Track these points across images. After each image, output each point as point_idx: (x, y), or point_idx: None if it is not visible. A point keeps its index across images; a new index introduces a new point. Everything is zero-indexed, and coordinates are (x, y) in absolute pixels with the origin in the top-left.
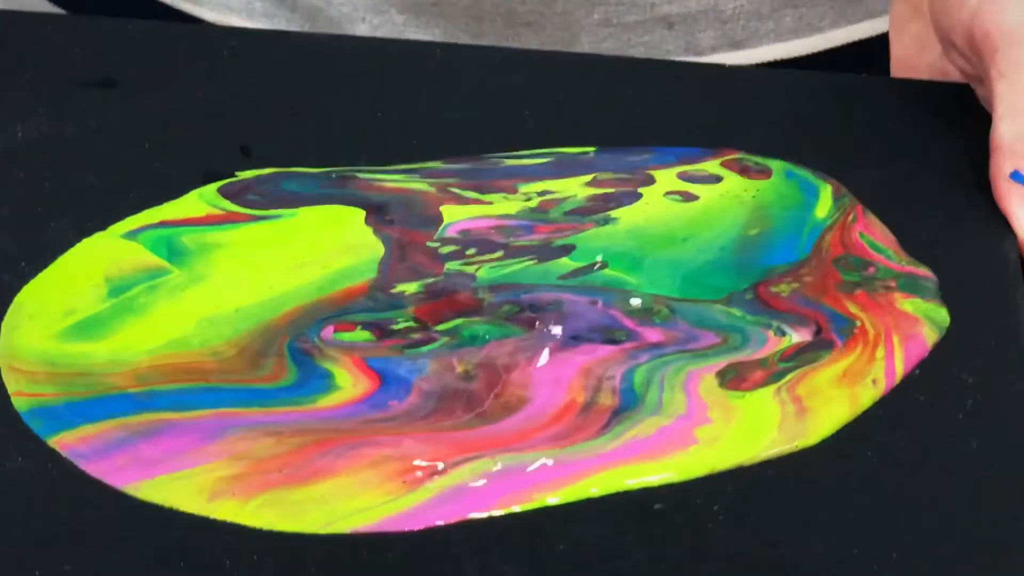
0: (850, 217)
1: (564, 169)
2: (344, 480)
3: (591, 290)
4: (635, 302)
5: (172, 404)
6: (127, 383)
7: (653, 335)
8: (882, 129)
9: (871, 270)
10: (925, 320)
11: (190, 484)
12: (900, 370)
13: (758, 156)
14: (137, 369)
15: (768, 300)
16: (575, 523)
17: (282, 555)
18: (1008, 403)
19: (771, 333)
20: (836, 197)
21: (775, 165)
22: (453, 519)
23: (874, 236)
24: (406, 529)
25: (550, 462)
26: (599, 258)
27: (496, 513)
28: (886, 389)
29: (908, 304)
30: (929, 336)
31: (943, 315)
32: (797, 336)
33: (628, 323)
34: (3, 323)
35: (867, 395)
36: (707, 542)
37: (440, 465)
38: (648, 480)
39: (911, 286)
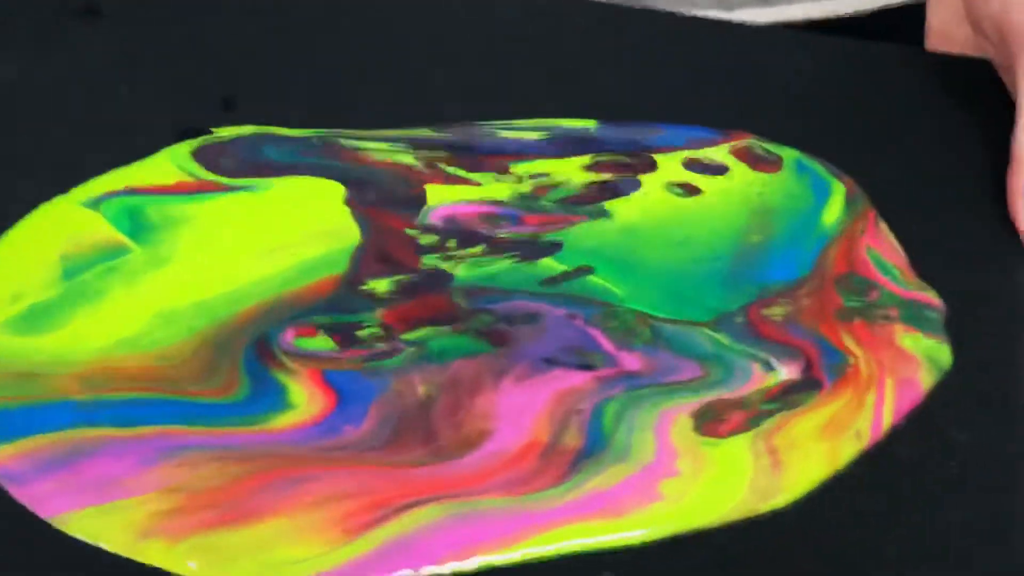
0: (859, 228)
1: (562, 147)
2: (282, 523)
3: (573, 301)
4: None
5: (115, 418)
6: (71, 388)
7: (631, 362)
8: (908, 107)
9: (874, 295)
10: (924, 360)
11: (120, 519)
12: (888, 421)
13: (771, 143)
14: (83, 372)
15: (759, 326)
16: None
17: None
18: (998, 469)
19: (757, 367)
20: (849, 199)
21: (787, 155)
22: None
23: (882, 252)
24: None
25: (503, 514)
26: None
27: (438, 571)
28: (870, 442)
29: (908, 340)
30: (926, 380)
31: (945, 355)
32: (785, 372)
33: (606, 345)
34: None
35: (848, 450)
36: None
37: (385, 512)
38: (603, 542)
39: (915, 317)
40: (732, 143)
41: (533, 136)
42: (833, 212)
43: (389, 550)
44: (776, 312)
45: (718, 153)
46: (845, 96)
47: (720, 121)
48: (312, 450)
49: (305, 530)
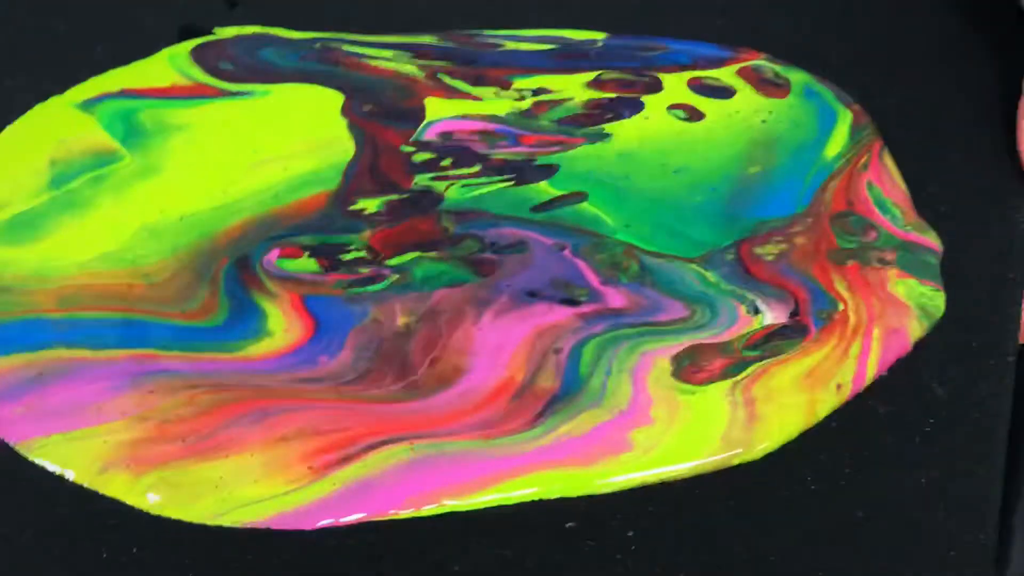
0: (862, 160)
1: (567, 62)
2: (247, 460)
3: (563, 230)
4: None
5: (89, 339)
6: (48, 304)
7: (616, 299)
8: (926, 33)
9: (871, 235)
10: (916, 309)
11: (86, 447)
12: (871, 373)
13: (781, 64)
14: (62, 288)
15: (749, 265)
16: (477, 538)
17: (162, 553)
18: (972, 429)
19: (743, 310)
20: (855, 128)
21: (796, 78)
22: (351, 518)
23: (884, 189)
24: (299, 528)
25: (470, 458)
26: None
27: (398, 516)
28: (850, 394)
29: (902, 287)
30: (915, 331)
31: (938, 303)
32: (771, 316)
33: (592, 279)
34: None
35: (827, 403)
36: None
37: (352, 450)
38: (570, 491)
39: (911, 262)
40: (740, 64)
41: (539, 47)
42: (837, 144)
43: (352, 492)
44: (768, 251)
45: (724, 74)
46: (862, 17)
47: (731, 38)
48: (286, 381)
49: (270, 466)
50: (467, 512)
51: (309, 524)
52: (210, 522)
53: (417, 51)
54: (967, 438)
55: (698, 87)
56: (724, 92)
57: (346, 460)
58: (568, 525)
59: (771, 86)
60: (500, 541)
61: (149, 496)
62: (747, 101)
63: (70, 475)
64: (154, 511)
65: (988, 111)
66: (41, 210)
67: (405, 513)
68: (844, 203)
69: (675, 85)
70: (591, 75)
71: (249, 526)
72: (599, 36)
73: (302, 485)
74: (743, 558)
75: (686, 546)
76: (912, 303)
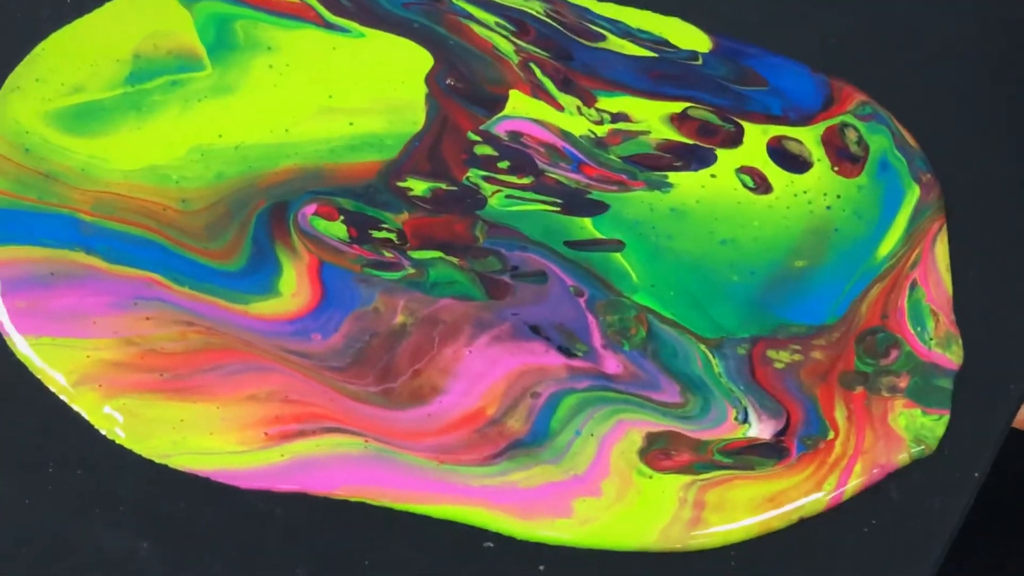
0: (912, 257)
1: (658, 82)
2: (210, 410)
3: (586, 274)
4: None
5: (108, 250)
6: (83, 204)
7: (612, 364)
8: None
9: (893, 356)
10: (911, 442)
11: (68, 357)
12: (835, 500)
13: (869, 119)
14: (102, 192)
15: (757, 365)
16: (397, 538)
17: (104, 480)
18: (913, 536)
19: (733, 415)
20: (918, 210)
21: (876, 144)
22: (287, 489)
23: (927, 291)
24: (235, 484)
25: (418, 473)
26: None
27: (332, 496)
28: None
29: (904, 418)
30: (901, 463)
31: (938, 432)
32: (756, 428)
33: (596, 339)
34: (9, 77)
35: (776, 526)
36: None
37: (312, 426)
38: (498, 530)
39: (921, 390)
40: (829, 119)
41: (637, 53)
42: (892, 238)
43: (295, 467)
44: (782, 357)
45: (808, 136)
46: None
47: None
48: (276, 347)
49: (229, 422)
50: (389, 510)
51: (246, 485)
52: (157, 460)
53: (521, 26)
54: (902, 547)
55: (776, 151)
56: (799, 164)
57: (301, 435)
58: (486, 545)
59: (847, 161)
60: (416, 545)
61: (115, 416)
62: (818, 180)
63: (45, 380)
64: (111, 436)
65: None
66: (109, 104)
67: (336, 495)
68: (879, 315)
69: (755, 141)
70: (677, 106)
71: (191, 472)
72: (703, 46)
73: (252, 449)
74: None
75: None
76: (909, 436)
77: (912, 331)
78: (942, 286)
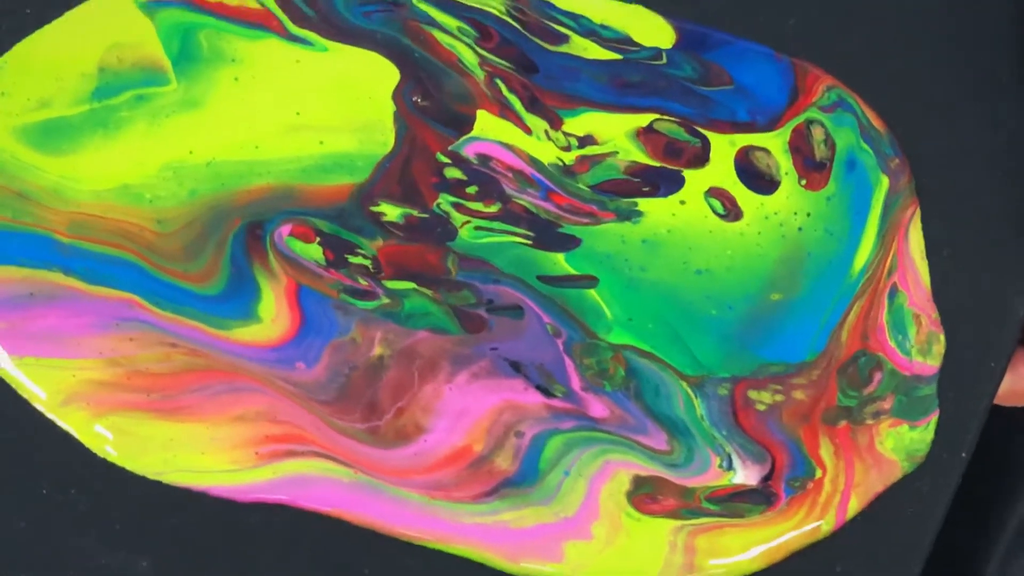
0: (890, 260)
1: (623, 92)
2: (200, 430)
3: (562, 312)
4: None
5: (87, 271)
6: (58, 224)
7: (597, 408)
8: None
9: (875, 381)
10: (903, 461)
11: (55, 376)
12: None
13: (835, 109)
14: (75, 212)
15: (739, 407)
16: (396, 551)
17: (98, 496)
18: (887, 548)
19: (717, 463)
20: (888, 201)
21: (843, 142)
22: (282, 501)
23: (908, 291)
24: (231, 498)
25: (409, 506)
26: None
27: (321, 510)
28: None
29: (891, 438)
30: (897, 479)
31: (926, 442)
32: (742, 475)
33: (574, 382)
34: None
35: (765, 563)
36: None
37: (301, 448)
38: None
39: (905, 407)
40: (796, 117)
41: (601, 56)
42: (866, 247)
43: (284, 482)
44: (763, 398)
45: (775, 144)
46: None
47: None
48: (261, 372)
49: (219, 442)
50: (383, 540)
51: (242, 498)
52: (151, 476)
53: (482, 31)
54: (894, 530)
55: (744, 170)
56: (767, 185)
57: (291, 455)
58: None
59: (814, 171)
60: (414, 552)
61: (105, 434)
62: (787, 199)
63: (32, 399)
64: (102, 454)
65: None
66: (76, 121)
67: (331, 515)
68: (859, 339)
69: (723, 154)
70: (644, 119)
71: (185, 488)
72: (667, 37)
73: (244, 468)
74: None
75: None
76: (900, 457)
77: (893, 344)
78: (920, 283)
